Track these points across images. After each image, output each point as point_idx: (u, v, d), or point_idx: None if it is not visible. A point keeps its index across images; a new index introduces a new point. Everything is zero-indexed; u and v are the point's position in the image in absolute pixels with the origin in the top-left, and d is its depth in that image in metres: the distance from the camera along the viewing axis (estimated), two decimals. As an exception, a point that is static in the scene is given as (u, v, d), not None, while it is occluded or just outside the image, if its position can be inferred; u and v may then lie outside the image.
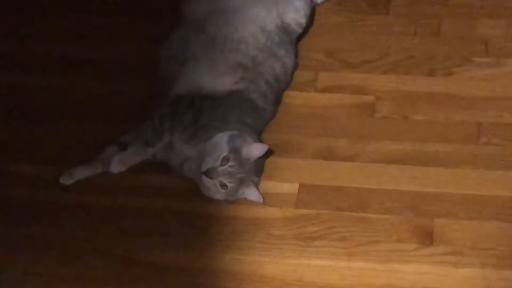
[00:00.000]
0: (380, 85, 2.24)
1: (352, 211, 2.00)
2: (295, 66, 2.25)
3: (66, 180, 2.06)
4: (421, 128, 2.14)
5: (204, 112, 2.04)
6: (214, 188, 1.97)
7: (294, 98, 2.23)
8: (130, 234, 1.99)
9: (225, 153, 1.96)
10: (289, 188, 2.06)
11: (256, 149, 1.98)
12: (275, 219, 2.00)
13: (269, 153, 2.04)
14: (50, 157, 2.14)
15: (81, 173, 2.07)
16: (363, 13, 2.43)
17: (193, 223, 2.01)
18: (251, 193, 1.98)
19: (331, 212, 2.00)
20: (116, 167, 2.03)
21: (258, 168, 2.03)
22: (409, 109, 2.19)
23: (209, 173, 1.95)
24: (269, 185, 2.06)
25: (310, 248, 1.95)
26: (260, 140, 2.08)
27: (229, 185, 1.96)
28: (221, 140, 2.00)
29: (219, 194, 1.98)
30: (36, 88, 2.31)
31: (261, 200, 1.98)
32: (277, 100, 2.18)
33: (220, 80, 2.09)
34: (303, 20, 2.26)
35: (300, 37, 2.32)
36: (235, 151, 1.97)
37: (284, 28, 2.22)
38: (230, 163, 1.96)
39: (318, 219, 1.99)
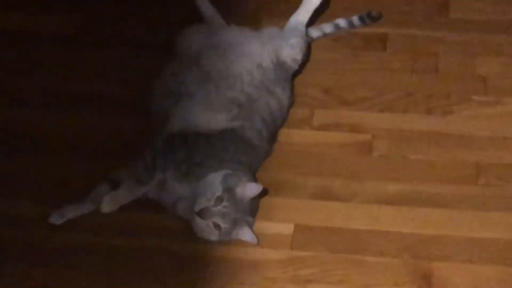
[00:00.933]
0: (377, 123, 2.21)
1: (348, 253, 1.95)
2: (291, 103, 2.21)
3: (56, 220, 2.01)
4: (419, 168, 2.10)
5: (198, 150, 2.00)
6: (207, 228, 1.92)
7: (289, 136, 2.19)
8: (120, 276, 1.93)
9: (219, 193, 1.91)
10: (284, 228, 2.01)
11: (250, 189, 1.94)
12: (269, 261, 1.95)
13: (264, 193, 1.99)
14: (39, 195, 2.09)
15: (72, 212, 2.02)
16: (360, 49, 2.39)
17: (185, 264, 1.95)
18: (245, 234, 1.94)
19: (327, 254, 1.96)
20: (106, 207, 1.99)
21: (253, 208, 1.98)
22: (407, 148, 2.15)
23: (202, 213, 1.90)
24: (264, 226, 2.01)
25: (305, 291, 1.89)
26: (255, 179, 2.04)
27: (223, 226, 1.91)
28: (215, 179, 1.95)
29: (213, 235, 1.93)
30: (25, 122, 2.25)
31: (255, 241, 1.93)
32: (273, 137, 2.13)
33: (214, 118, 2.05)
34: (299, 57, 2.23)
35: (296, 73, 2.28)
36: (229, 190, 1.92)
37: (280, 65, 2.19)
38: (224, 203, 1.91)
39: (314, 261, 1.95)
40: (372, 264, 1.93)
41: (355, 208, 2.04)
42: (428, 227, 1.98)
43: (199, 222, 1.92)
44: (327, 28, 2.37)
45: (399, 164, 2.12)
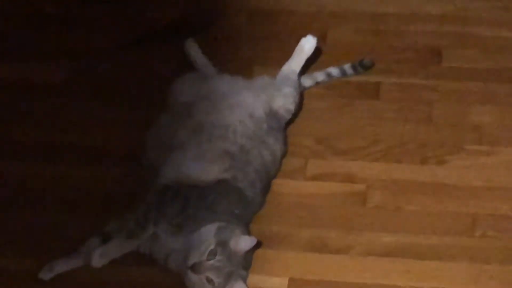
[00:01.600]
0: (371, 173, 2.18)
1: (344, 308, 1.91)
2: (284, 153, 2.18)
3: (45, 275, 1.96)
4: (414, 219, 2.07)
5: (190, 202, 1.97)
6: (200, 283, 1.89)
7: (282, 186, 2.16)
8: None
9: (212, 246, 1.88)
10: (278, 283, 1.98)
11: (244, 242, 1.90)
12: (263, 319, 1.91)
13: (257, 246, 1.96)
14: (26, 249, 2.05)
15: (61, 266, 1.98)
16: (353, 98, 2.38)
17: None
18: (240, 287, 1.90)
19: (323, 309, 1.91)
20: (97, 261, 1.94)
21: (246, 261, 1.94)
22: (401, 199, 2.12)
23: (195, 268, 1.87)
24: (257, 280, 1.97)
25: None
26: (248, 231, 2.00)
27: (216, 280, 1.87)
28: (208, 232, 1.92)
29: None
30: (13, 174, 2.22)
31: None
32: (266, 188, 2.10)
33: (207, 169, 2.02)
34: (292, 107, 2.20)
35: (289, 122, 2.26)
36: (223, 244, 1.89)
37: (272, 115, 2.16)
38: (217, 257, 1.88)
39: (309, 317, 1.90)
40: (368, 319, 1.89)
41: (350, 260, 2.01)
42: (424, 280, 1.95)
43: (192, 277, 1.88)
44: (320, 76, 2.35)
45: (394, 215, 2.09)
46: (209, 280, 1.88)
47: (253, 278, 1.96)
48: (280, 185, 2.16)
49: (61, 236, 2.07)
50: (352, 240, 2.04)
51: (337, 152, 2.24)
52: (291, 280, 1.97)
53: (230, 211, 1.99)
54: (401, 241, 2.03)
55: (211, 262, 1.87)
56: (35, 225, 2.11)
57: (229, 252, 1.89)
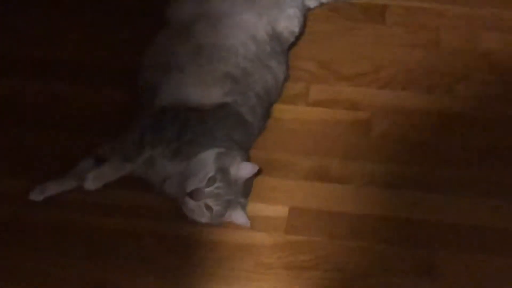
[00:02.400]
0: (376, 100, 2.10)
1: (345, 239, 1.86)
2: (286, 78, 2.09)
3: (36, 196, 1.88)
4: (420, 149, 2.00)
5: (189, 127, 1.88)
6: (198, 210, 1.81)
7: (284, 112, 2.08)
8: (103, 259, 1.82)
9: (212, 173, 1.80)
10: (279, 211, 1.90)
11: (245, 169, 1.83)
12: (263, 246, 1.85)
13: (258, 173, 1.88)
14: (18, 169, 1.96)
15: (53, 188, 1.89)
16: (358, 21, 2.28)
17: (173, 248, 1.85)
18: (238, 216, 1.83)
19: (323, 239, 1.86)
20: (91, 184, 1.86)
21: (246, 188, 1.87)
22: (407, 128, 2.04)
23: (194, 194, 1.79)
24: (257, 208, 1.90)
25: (300, 279, 1.80)
26: (248, 158, 1.92)
27: (215, 208, 1.80)
28: (208, 158, 1.84)
29: (204, 217, 1.82)
30: (8, 91, 2.11)
31: (248, 224, 1.83)
32: (267, 114, 2.02)
33: (207, 92, 1.93)
34: (296, 29, 2.11)
35: (292, 45, 2.16)
36: (223, 170, 1.81)
37: (275, 37, 2.06)
38: (217, 184, 1.80)
39: (310, 247, 1.85)
40: (370, 252, 1.84)
41: (353, 190, 1.94)
42: (429, 213, 1.89)
43: (190, 203, 1.81)
44: None
45: (399, 145, 2.02)
46: (208, 207, 1.81)
47: (253, 206, 1.89)
48: (282, 110, 2.08)
49: (53, 156, 1.98)
50: (355, 170, 1.97)
51: (340, 78, 2.15)
52: (292, 209, 1.91)
53: (230, 137, 1.90)
54: (406, 172, 1.96)
55: (210, 188, 1.80)
56: (27, 145, 2.02)
57: (229, 179, 1.82)
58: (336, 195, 1.93)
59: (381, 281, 1.78)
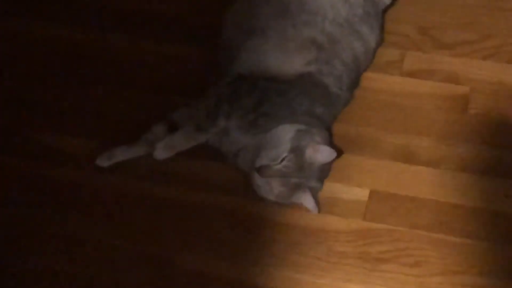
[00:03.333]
0: (478, 73, 1.90)
1: (430, 230, 1.70)
2: (380, 43, 1.91)
3: (103, 162, 1.79)
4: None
5: (268, 98, 1.74)
6: (264, 187, 1.68)
7: (374, 81, 1.90)
8: (169, 236, 1.71)
9: (285, 154, 1.66)
10: (358, 194, 1.75)
11: (322, 154, 1.68)
12: (338, 232, 1.71)
13: (338, 157, 1.72)
14: (85, 130, 1.87)
15: (121, 154, 1.79)
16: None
17: (241, 225, 1.73)
18: (307, 201, 1.68)
19: (405, 229, 1.70)
20: (161, 153, 1.75)
21: (322, 173, 1.73)
22: (510, 107, 1.83)
23: (262, 170, 1.66)
24: (335, 188, 1.76)
25: (376, 272, 1.66)
26: (330, 136, 1.77)
27: (278, 188, 1.66)
28: (284, 134, 1.70)
29: (270, 195, 1.69)
30: (73, 42, 2.01)
31: (316, 210, 1.68)
32: (354, 84, 1.86)
33: (289, 60, 1.77)
34: None
35: (388, 7, 1.97)
36: (298, 151, 1.67)
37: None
38: (287, 164, 1.66)
39: (389, 236, 1.69)
40: (456, 246, 1.67)
41: (442, 176, 1.77)
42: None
43: (257, 179, 1.68)
44: None
45: (499, 126, 1.83)
46: (273, 187, 1.67)
47: (329, 186, 1.75)
48: (371, 79, 1.91)
49: (122, 118, 1.87)
50: (447, 152, 1.80)
51: (440, 45, 1.96)
52: (373, 193, 1.75)
53: (312, 111, 1.75)
54: (505, 158, 1.78)
55: (279, 167, 1.66)
56: (92, 103, 1.92)
57: (302, 161, 1.68)
58: (423, 179, 1.76)
59: (466, 280, 1.61)
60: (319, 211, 1.69)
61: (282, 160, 1.66)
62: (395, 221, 1.71)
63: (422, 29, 1.97)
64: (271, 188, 1.67)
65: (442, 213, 1.72)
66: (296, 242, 1.71)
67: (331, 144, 1.74)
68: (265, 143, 1.71)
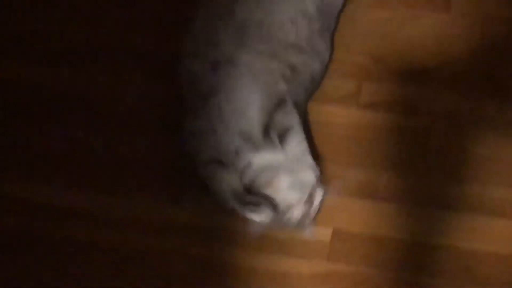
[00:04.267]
0: (437, 103, 1.83)
1: (400, 271, 1.61)
2: (332, 55, 1.84)
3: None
4: (485, 165, 1.73)
5: None
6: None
7: (331, 115, 1.83)
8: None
9: None
10: (321, 233, 1.67)
11: None
12: (301, 275, 1.63)
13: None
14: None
15: None
16: (419, 8, 1.99)
17: (202, 269, 1.62)
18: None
19: (372, 270, 1.61)
20: None
21: None
22: (470, 139, 1.77)
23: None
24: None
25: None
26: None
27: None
28: None
29: None
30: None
31: None
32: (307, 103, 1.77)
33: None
34: None
35: (337, 26, 1.89)
36: None
37: (326, 7, 1.80)
38: None
39: (355, 278, 1.62)
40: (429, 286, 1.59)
41: (408, 212, 1.69)
42: (488, 243, 1.63)
43: None
44: None
45: (461, 158, 1.76)
46: None
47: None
48: (329, 113, 1.83)
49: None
50: (411, 186, 1.72)
51: (397, 75, 1.89)
52: (336, 232, 1.68)
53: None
54: (467, 191, 1.71)
55: None
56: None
57: None
58: (388, 216, 1.69)
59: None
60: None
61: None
62: (361, 261, 1.65)
63: (377, 58, 1.90)
64: None
65: (410, 252, 1.65)
66: (257, 286, 1.61)
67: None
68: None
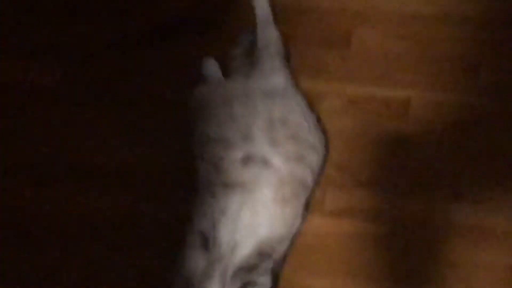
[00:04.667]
0: (398, 210, 1.92)
1: None
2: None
3: None
4: (448, 271, 1.82)
5: None
6: None
7: (298, 224, 1.91)
8: None
9: None
10: None
11: None
12: None
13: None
14: None
15: None
16: (379, 116, 2.09)
17: None
18: None
19: None
20: None
21: None
22: (435, 243, 1.87)
23: None
24: None
25: None
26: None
27: None
28: None
29: None
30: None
31: None
32: None
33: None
34: None
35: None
36: None
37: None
38: None
39: None
40: None
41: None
42: None
43: None
44: None
45: (425, 261, 1.85)
46: None
47: None
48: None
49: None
50: (374, 293, 1.81)
51: (358, 183, 1.99)
52: None
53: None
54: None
55: None
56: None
57: None
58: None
59: None
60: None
61: None
62: None
63: (339, 166, 2.00)
64: None
65: None
66: None
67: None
68: None
